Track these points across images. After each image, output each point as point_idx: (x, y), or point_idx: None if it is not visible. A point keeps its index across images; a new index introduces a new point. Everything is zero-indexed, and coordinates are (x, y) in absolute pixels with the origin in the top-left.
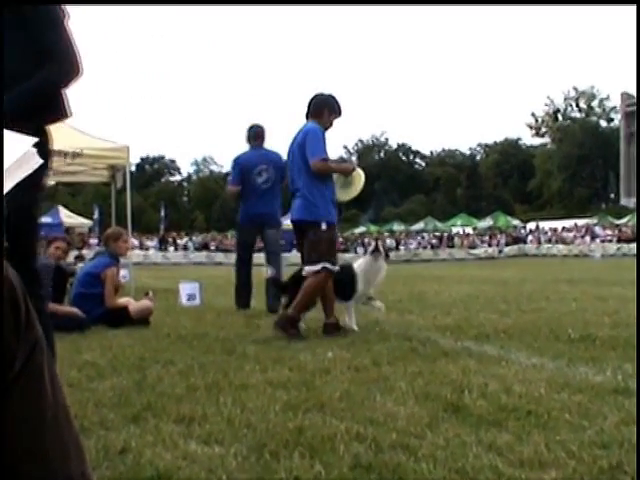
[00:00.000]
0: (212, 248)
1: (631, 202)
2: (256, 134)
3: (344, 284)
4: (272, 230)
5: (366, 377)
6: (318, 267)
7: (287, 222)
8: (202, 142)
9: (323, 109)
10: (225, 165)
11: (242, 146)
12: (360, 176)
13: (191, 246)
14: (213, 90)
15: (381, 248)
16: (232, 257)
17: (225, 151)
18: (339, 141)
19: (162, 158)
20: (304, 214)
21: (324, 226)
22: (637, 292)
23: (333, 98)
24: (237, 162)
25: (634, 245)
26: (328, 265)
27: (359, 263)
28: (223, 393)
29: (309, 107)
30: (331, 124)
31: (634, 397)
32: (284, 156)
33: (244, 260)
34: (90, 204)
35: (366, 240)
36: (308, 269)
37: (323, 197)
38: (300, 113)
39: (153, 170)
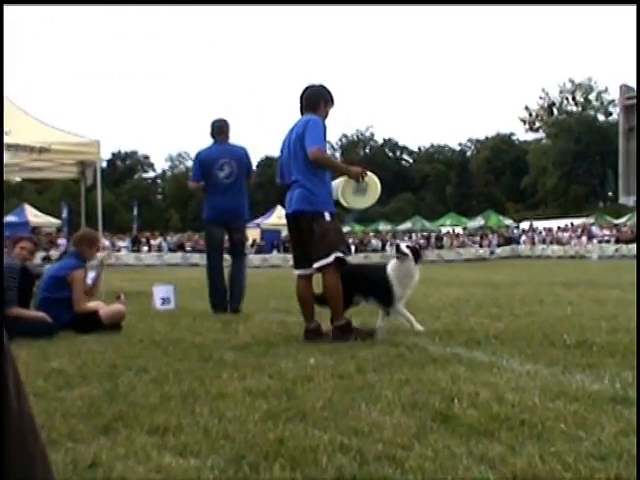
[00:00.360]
0: (188, 249)
1: (630, 201)
2: (219, 129)
3: (380, 288)
4: (239, 232)
5: (350, 385)
6: (331, 259)
7: (267, 221)
8: (177, 136)
9: (319, 101)
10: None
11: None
12: (376, 184)
13: (165, 247)
14: (189, 81)
15: (405, 250)
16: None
17: (202, 146)
18: None
19: (135, 153)
20: (304, 205)
21: (327, 216)
22: (637, 295)
23: (325, 88)
24: (198, 157)
25: (633, 246)
26: (340, 254)
27: (390, 265)
28: (199, 402)
29: (303, 101)
30: (327, 115)
31: (633, 406)
32: (249, 150)
33: (215, 260)
34: (58, 202)
35: (350, 240)
36: (320, 263)
37: (324, 187)
38: (279, 106)
39: (125, 166)
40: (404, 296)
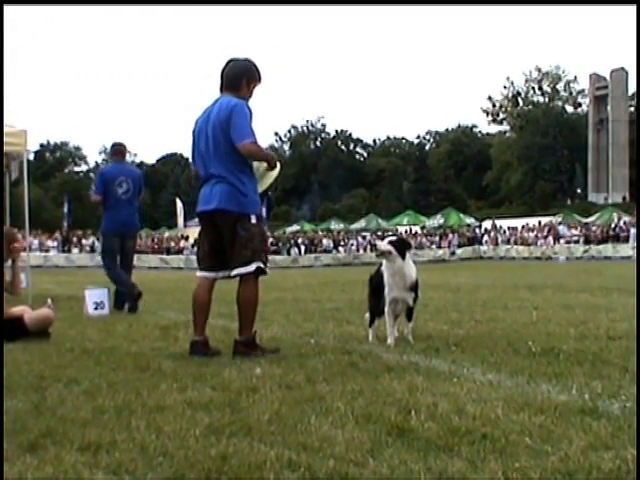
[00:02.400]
0: None
1: (600, 198)
2: (116, 151)
3: (379, 292)
4: (131, 240)
5: (299, 396)
6: (252, 268)
7: None
8: (112, 127)
9: (241, 79)
10: (139, 154)
11: (157, 130)
12: (270, 177)
13: (99, 247)
14: (124, 67)
15: (385, 247)
16: (147, 260)
17: (139, 137)
18: (269, 127)
19: (65, 145)
20: (230, 204)
21: (254, 219)
22: (637, 295)
23: (250, 62)
24: (101, 174)
25: (603, 247)
26: (262, 265)
27: (383, 266)
28: (135, 416)
29: (223, 77)
30: (251, 94)
31: (603, 419)
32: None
33: (113, 266)
34: None
35: (299, 240)
36: (239, 271)
37: (252, 185)
38: (216, 89)
39: (55, 159)
40: (399, 298)
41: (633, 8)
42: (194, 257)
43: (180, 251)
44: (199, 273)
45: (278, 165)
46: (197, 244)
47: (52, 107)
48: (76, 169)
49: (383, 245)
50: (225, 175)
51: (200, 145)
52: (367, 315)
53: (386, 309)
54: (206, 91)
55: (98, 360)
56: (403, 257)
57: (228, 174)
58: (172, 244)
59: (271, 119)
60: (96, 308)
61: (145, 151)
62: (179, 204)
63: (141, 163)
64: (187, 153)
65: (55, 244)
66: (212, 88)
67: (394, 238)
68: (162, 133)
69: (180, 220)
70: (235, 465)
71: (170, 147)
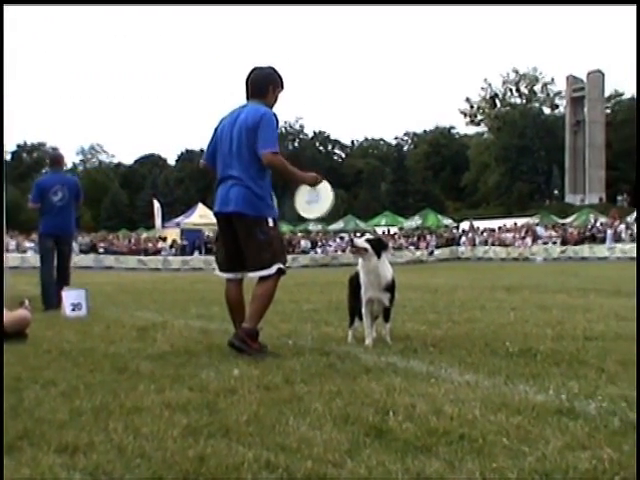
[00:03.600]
0: (101, 250)
1: (577, 199)
2: (53, 160)
3: (359, 293)
4: (66, 243)
5: (277, 397)
6: (273, 270)
7: (188, 220)
8: (90, 127)
9: (267, 86)
10: (117, 154)
11: (135, 131)
12: (327, 189)
13: (76, 248)
14: (101, 68)
15: (362, 244)
16: (124, 261)
17: (117, 138)
18: None
19: (43, 145)
20: (247, 208)
21: (271, 222)
22: (637, 296)
23: (274, 70)
24: (37, 184)
25: (580, 248)
26: (282, 266)
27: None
28: (113, 417)
29: (249, 85)
30: (276, 100)
31: (580, 419)
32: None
33: (48, 266)
34: None
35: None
36: (262, 273)
37: (268, 189)
38: (202, 93)
39: (32, 159)
40: (375, 298)
41: (609, 9)
42: (172, 258)
43: (158, 252)
44: (222, 274)
45: (328, 187)
46: (215, 244)
47: (29, 107)
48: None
49: (360, 242)
50: (243, 178)
51: (223, 146)
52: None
53: (363, 310)
54: (184, 92)
55: (75, 361)
56: (379, 256)
57: (247, 177)
58: (150, 245)
59: None
60: (73, 309)
61: (123, 152)
62: (157, 205)
63: (119, 164)
64: (165, 154)
65: (32, 245)
66: (189, 89)
67: (371, 237)
68: (140, 134)
69: (158, 221)
70: (213, 466)
71: (148, 148)
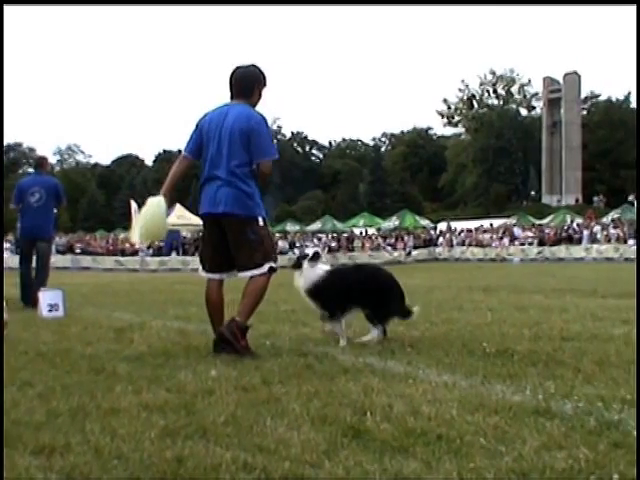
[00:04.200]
0: (78, 251)
1: (554, 200)
2: (37, 162)
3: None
4: (44, 243)
5: (255, 398)
6: (265, 269)
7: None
8: (67, 127)
9: (254, 87)
10: (94, 154)
11: (112, 131)
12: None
13: (53, 248)
14: (78, 68)
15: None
16: (101, 261)
17: (94, 138)
18: None
19: (19, 146)
20: (238, 207)
21: (261, 221)
22: (637, 297)
23: (258, 69)
24: (17, 185)
25: (556, 248)
26: (274, 264)
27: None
28: (90, 419)
29: (234, 84)
30: (260, 98)
31: (556, 419)
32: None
33: (27, 266)
34: None
35: None
36: (254, 273)
37: (256, 188)
38: (180, 93)
39: (8, 160)
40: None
41: (585, 10)
42: (149, 259)
43: (135, 253)
44: (205, 274)
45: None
46: (200, 245)
47: (5, 107)
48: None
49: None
50: (231, 179)
51: (210, 146)
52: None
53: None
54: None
55: (52, 363)
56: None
57: (235, 178)
58: (127, 246)
59: None
60: (50, 310)
61: (100, 152)
62: (134, 206)
63: (96, 164)
64: (142, 155)
65: (8, 245)
66: (167, 90)
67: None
68: (118, 134)
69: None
70: (190, 467)
71: (125, 148)
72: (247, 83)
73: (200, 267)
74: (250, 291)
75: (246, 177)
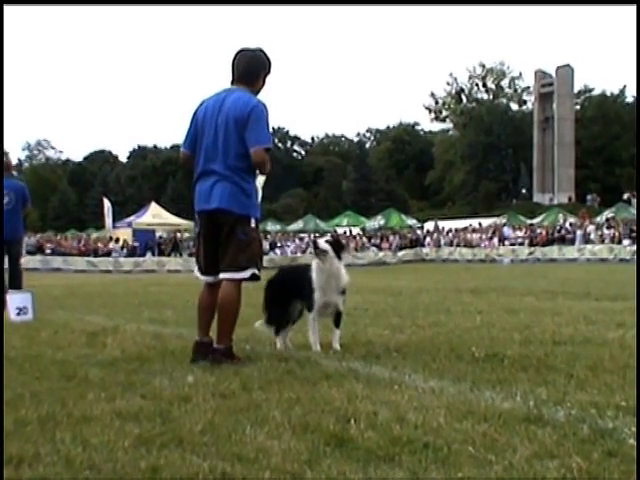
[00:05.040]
0: (48, 251)
1: (546, 198)
2: (6, 166)
3: (303, 290)
4: (15, 247)
5: (234, 405)
6: (247, 274)
7: (140, 220)
8: (36, 122)
9: (259, 72)
10: (65, 150)
11: (84, 126)
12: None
13: (23, 249)
14: (49, 57)
15: (324, 246)
16: (73, 262)
17: (65, 133)
18: None
19: None
20: (233, 204)
21: (253, 223)
22: (637, 298)
23: (264, 53)
24: None
25: (549, 249)
26: (257, 271)
27: (313, 265)
28: (60, 427)
29: (238, 68)
30: (264, 85)
31: (548, 426)
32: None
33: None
34: None
35: None
36: (233, 276)
37: (254, 187)
38: (155, 87)
39: None
40: (331, 302)
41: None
42: (123, 259)
43: (108, 253)
44: (202, 277)
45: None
46: (196, 244)
47: None
48: None
49: (323, 244)
50: (229, 174)
51: (206, 137)
52: (260, 322)
53: (314, 315)
54: (136, 86)
55: (21, 368)
56: (339, 258)
57: (232, 173)
58: (100, 246)
59: None
60: (19, 313)
61: (71, 148)
62: (107, 204)
63: (67, 160)
64: (116, 150)
65: None
66: (142, 83)
67: (330, 238)
68: (90, 129)
69: (108, 221)
70: (166, 478)
71: (98, 144)
72: (252, 69)
73: (195, 268)
74: (223, 310)
75: (245, 172)
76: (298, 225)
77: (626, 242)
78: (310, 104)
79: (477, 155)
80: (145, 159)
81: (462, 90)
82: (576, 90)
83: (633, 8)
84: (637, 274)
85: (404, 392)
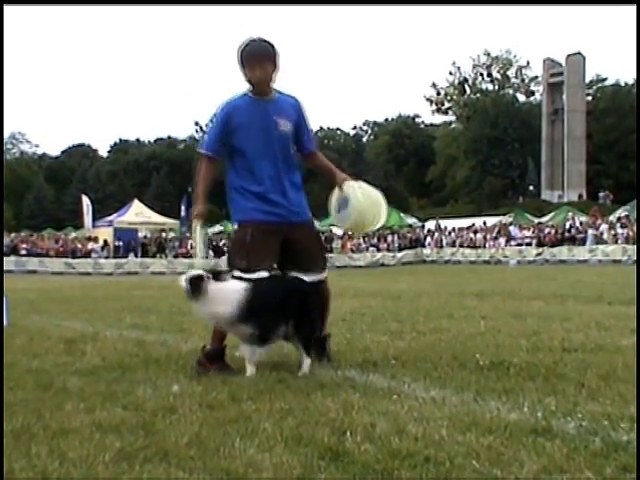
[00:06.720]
0: (23, 252)
1: (555, 196)
2: None
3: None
4: None
5: (222, 417)
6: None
7: (122, 218)
8: (10, 114)
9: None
10: (41, 144)
11: (62, 119)
12: (357, 197)
13: None
14: (25, 46)
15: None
16: (50, 264)
17: (42, 126)
18: (190, 116)
19: None
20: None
21: (236, 226)
22: (637, 298)
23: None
24: None
25: (558, 249)
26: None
27: None
28: (36, 441)
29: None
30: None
31: (557, 439)
32: None
33: None
34: None
35: (222, 242)
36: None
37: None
38: (137, 78)
39: None
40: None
41: None
42: (103, 261)
43: (88, 254)
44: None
45: (359, 192)
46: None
47: None
48: None
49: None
50: (295, 180)
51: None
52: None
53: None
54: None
55: None
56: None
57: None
58: (79, 246)
59: (192, 107)
60: None
61: (48, 142)
62: (86, 201)
63: (44, 155)
64: (95, 144)
65: None
66: (123, 74)
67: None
68: (68, 121)
69: (87, 219)
70: None
71: (77, 137)
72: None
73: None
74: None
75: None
76: None
77: None
78: (303, 95)
79: (481, 150)
80: (127, 154)
81: (466, 80)
82: (588, 80)
83: None
84: (637, 274)
85: (403, 402)
